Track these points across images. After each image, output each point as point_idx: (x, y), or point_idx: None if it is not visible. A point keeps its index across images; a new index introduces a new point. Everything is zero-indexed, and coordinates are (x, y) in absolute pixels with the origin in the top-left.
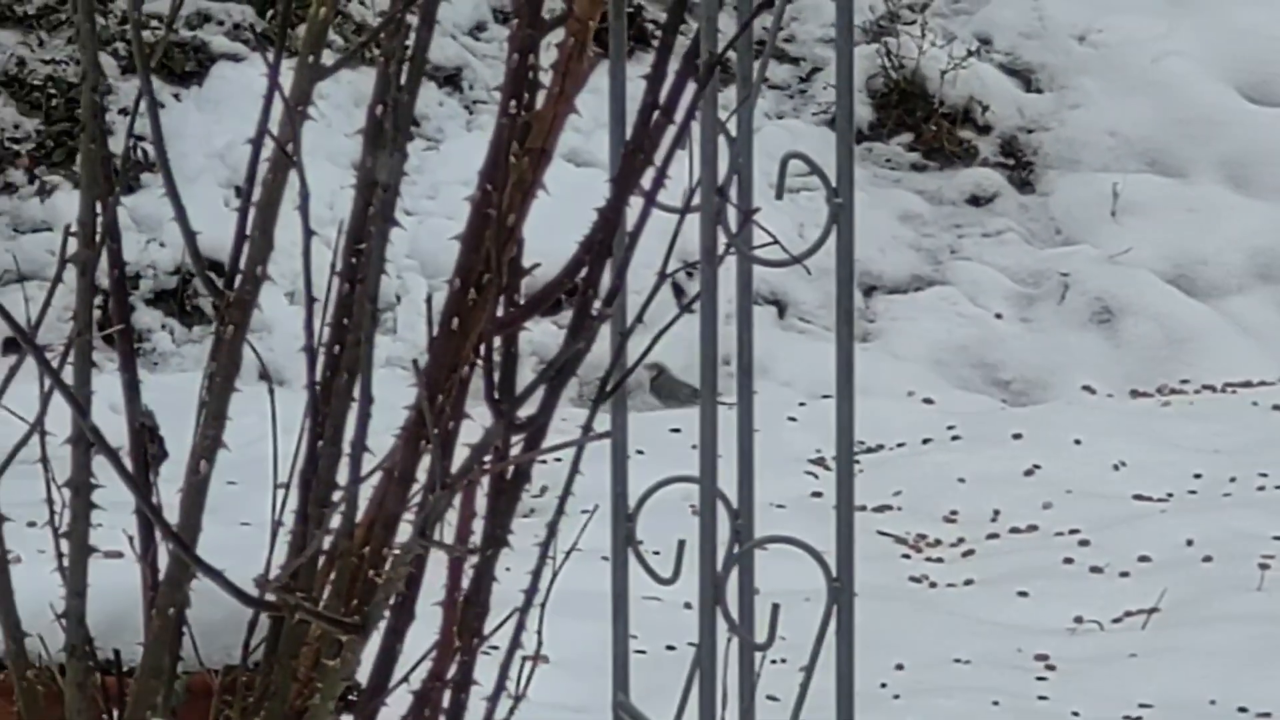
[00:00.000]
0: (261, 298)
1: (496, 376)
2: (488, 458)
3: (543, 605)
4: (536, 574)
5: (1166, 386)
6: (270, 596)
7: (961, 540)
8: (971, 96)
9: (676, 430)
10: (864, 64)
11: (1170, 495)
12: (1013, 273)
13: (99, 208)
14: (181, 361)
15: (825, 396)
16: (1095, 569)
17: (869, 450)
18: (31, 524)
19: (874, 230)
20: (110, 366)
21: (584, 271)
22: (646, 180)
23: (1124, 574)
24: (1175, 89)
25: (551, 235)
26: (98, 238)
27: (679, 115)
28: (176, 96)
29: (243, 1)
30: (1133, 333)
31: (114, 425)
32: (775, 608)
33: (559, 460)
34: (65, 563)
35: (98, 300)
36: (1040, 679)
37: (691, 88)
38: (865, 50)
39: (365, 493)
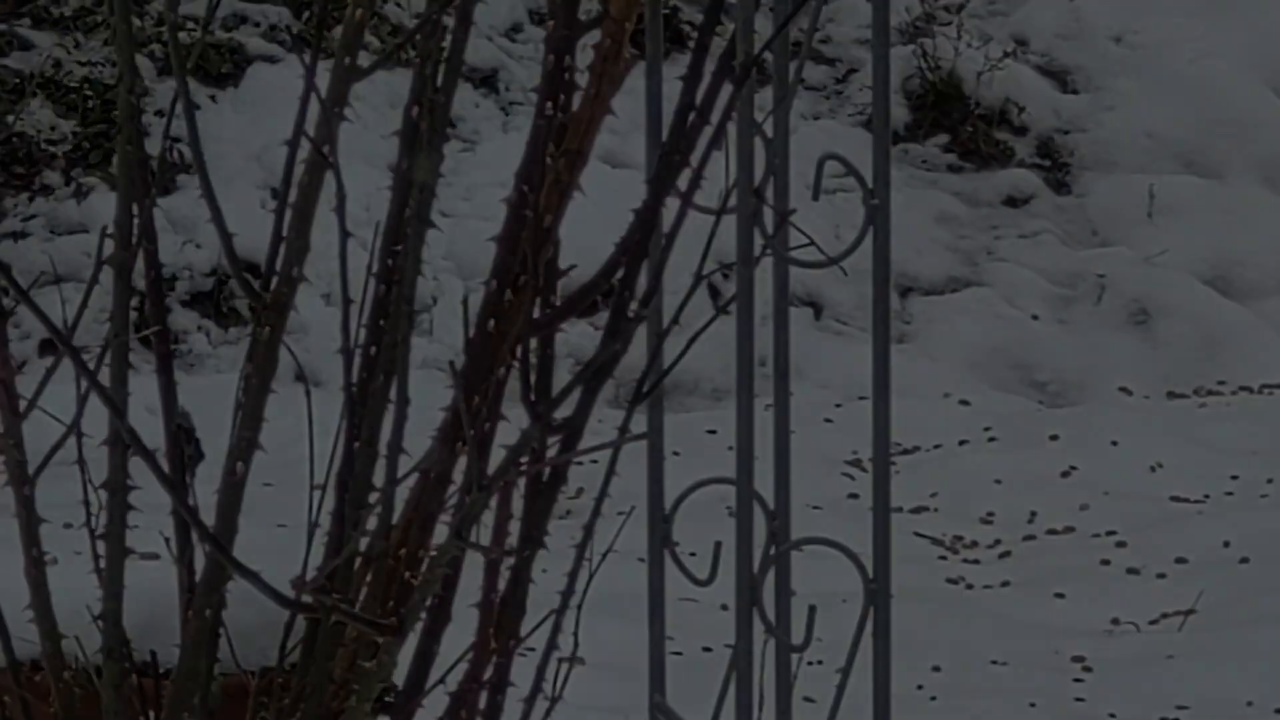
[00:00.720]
0: (298, 299)
1: (533, 378)
2: (524, 459)
3: (579, 607)
4: (573, 575)
5: (1203, 388)
6: (307, 598)
7: (998, 542)
8: (1007, 98)
9: (713, 431)
10: (900, 65)
11: (1207, 496)
12: (1049, 274)
13: (135, 209)
14: (218, 363)
15: (862, 398)
16: (1132, 570)
17: (905, 451)
18: (68, 525)
19: (910, 231)
20: (147, 368)
21: (620, 273)
22: (683, 181)
23: (1161, 575)
24: (1212, 90)
25: (588, 236)
26: (134, 239)
27: (715, 116)
28: (212, 98)
29: (279, 3)
30: (1169, 334)
31: (151, 427)
32: (812, 609)
33: (595, 462)
34: (102, 564)
35: (134, 302)
36: (1077, 680)
37: (728, 89)
38: (901, 51)
39: (402, 494)
